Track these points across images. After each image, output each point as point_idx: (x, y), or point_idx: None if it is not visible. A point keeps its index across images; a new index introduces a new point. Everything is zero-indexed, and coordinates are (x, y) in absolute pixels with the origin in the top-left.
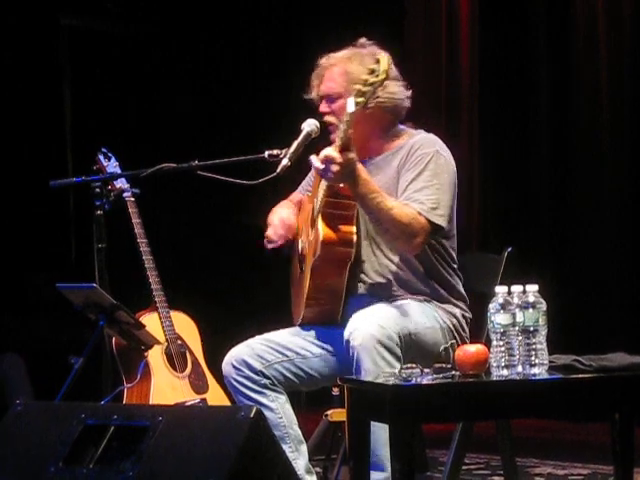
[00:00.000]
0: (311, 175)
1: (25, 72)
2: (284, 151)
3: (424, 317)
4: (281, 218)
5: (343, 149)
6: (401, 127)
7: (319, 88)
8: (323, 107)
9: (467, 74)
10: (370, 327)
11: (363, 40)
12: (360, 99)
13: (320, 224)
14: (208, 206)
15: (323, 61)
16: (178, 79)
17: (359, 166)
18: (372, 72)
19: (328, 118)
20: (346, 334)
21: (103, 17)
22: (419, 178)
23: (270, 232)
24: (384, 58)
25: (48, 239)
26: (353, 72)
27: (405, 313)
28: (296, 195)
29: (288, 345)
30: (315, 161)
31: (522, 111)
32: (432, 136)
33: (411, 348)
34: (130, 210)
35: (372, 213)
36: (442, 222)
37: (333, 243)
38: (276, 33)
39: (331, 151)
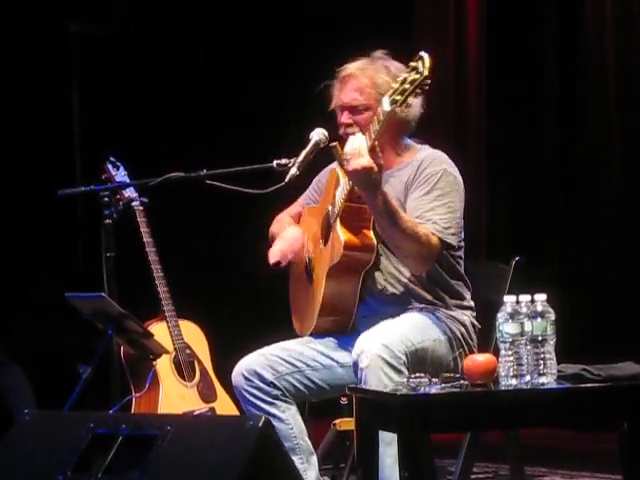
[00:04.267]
0: (315, 187)
1: (34, 80)
2: (292, 160)
3: (431, 330)
4: (293, 237)
5: (373, 149)
6: (408, 141)
7: (339, 98)
8: (345, 118)
9: (475, 77)
10: (376, 348)
11: (379, 53)
12: (399, 97)
13: (340, 229)
14: (216, 215)
15: (345, 70)
16: (188, 88)
17: (382, 177)
18: (414, 69)
19: (350, 130)
20: (354, 355)
21: (113, 23)
22: (429, 197)
23: (276, 249)
24: (426, 56)
25: (56, 247)
26: (382, 84)
27: (411, 328)
28: (295, 208)
29: (298, 356)
30: (350, 144)
31: (531, 115)
32: (439, 153)
33: (419, 363)
34: (139, 219)
35: (385, 229)
36: (454, 241)
37: (355, 248)
38: (282, 36)
39: (363, 141)
